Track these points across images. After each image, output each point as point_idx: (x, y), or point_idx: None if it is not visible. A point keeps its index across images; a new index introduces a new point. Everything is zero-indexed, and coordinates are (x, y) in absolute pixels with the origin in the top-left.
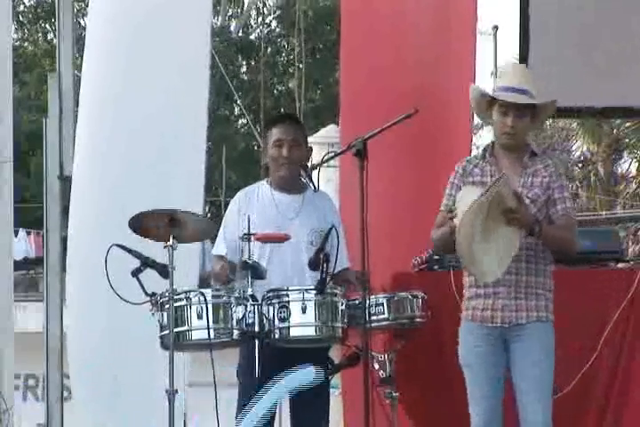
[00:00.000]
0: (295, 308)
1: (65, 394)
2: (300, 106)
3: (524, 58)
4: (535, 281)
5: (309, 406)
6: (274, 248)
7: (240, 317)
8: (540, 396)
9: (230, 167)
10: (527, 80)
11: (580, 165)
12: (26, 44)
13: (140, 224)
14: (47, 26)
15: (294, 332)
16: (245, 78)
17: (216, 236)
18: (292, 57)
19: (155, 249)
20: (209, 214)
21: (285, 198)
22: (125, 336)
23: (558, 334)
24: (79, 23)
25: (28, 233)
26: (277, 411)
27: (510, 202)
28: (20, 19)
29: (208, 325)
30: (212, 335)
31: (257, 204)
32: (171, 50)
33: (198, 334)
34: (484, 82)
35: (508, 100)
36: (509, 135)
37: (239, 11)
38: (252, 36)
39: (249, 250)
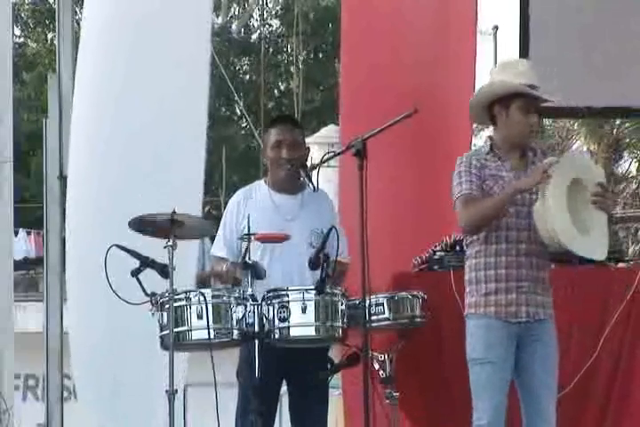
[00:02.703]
0: (295, 308)
1: (65, 394)
2: (299, 106)
3: (523, 58)
4: (546, 277)
5: (309, 407)
6: (275, 249)
7: (240, 317)
8: (554, 396)
9: (230, 168)
10: (537, 77)
11: None
12: (27, 41)
13: (140, 225)
14: (47, 23)
15: (294, 332)
16: (246, 78)
17: (214, 235)
18: (292, 57)
19: (155, 249)
20: (208, 214)
21: (284, 199)
22: (125, 336)
23: (558, 334)
24: (79, 24)
25: (28, 233)
26: (277, 411)
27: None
28: (22, 16)
29: (208, 325)
30: (212, 335)
31: (255, 205)
32: (170, 51)
33: (198, 334)
34: (484, 82)
35: (548, 100)
36: (534, 133)
37: (241, 11)
38: (254, 37)
39: (248, 250)
